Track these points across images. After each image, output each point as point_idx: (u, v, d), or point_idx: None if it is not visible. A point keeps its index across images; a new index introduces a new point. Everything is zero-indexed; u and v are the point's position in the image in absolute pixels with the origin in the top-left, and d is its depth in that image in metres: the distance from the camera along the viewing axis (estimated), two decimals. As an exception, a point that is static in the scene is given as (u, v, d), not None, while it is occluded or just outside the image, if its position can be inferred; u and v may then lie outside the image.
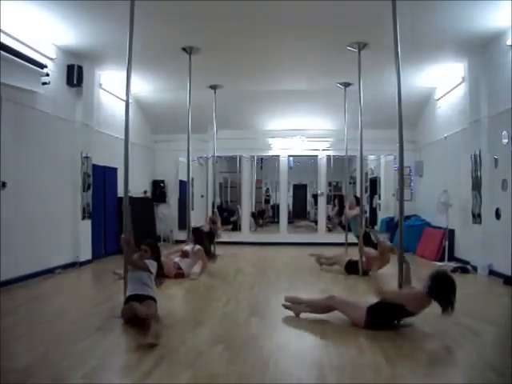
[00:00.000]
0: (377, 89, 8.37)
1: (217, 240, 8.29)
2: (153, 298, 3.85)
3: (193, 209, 9.78)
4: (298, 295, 4.23)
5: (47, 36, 6.07)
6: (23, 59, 5.48)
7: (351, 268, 6.36)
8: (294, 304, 4.06)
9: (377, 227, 10.84)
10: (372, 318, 3.62)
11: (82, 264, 6.92)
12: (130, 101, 4.31)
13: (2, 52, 5.05)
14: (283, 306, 4.08)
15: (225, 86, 8.50)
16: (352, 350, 3.15)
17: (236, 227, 11.00)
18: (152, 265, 3.97)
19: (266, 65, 7.44)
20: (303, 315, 3.99)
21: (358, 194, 7.41)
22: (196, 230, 6.81)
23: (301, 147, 10.55)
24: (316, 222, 10.99)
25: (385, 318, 3.66)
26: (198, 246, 6.33)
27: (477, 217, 6.58)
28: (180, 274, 5.94)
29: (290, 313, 4.15)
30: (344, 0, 4.98)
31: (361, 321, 3.65)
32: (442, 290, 3.43)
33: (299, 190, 12.38)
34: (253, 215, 11.07)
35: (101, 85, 7.89)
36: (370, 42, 6.18)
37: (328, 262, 6.83)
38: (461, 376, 2.78)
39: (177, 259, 6.17)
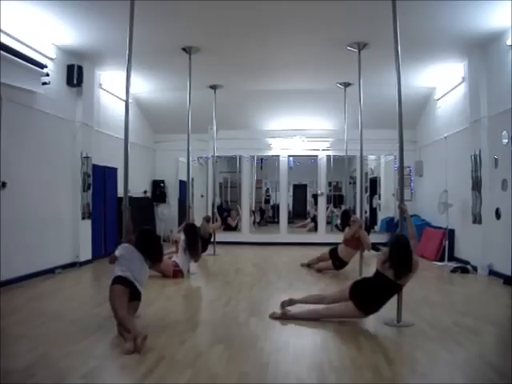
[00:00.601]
0: (377, 89, 8.37)
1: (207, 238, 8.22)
2: (117, 279, 3.64)
3: (193, 209, 9.79)
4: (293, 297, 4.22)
5: (47, 36, 6.07)
6: (23, 59, 5.48)
7: (338, 264, 6.45)
8: (283, 313, 3.98)
9: (377, 227, 10.86)
10: (356, 291, 3.73)
11: (81, 264, 6.92)
12: (130, 101, 4.31)
13: (2, 52, 5.05)
14: (270, 317, 3.95)
15: (225, 85, 8.51)
16: (352, 349, 3.15)
17: (232, 228, 10.98)
18: (120, 248, 3.78)
19: (266, 65, 7.44)
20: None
21: (358, 194, 7.39)
22: (188, 224, 6.47)
23: (301, 147, 10.54)
24: (314, 220, 10.98)
25: (369, 290, 3.72)
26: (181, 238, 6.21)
27: (477, 217, 6.58)
28: (178, 272, 5.95)
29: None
30: (344, 0, 4.98)
31: (352, 310, 3.71)
32: (398, 252, 3.62)
33: (299, 190, 12.38)
34: (253, 213, 11.08)
35: (101, 85, 7.89)
36: (370, 42, 6.18)
37: (316, 267, 6.73)
38: (461, 376, 2.77)
39: (174, 257, 6.18)
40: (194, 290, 5.63)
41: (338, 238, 9.03)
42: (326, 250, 6.83)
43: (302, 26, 5.76)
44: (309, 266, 6.94)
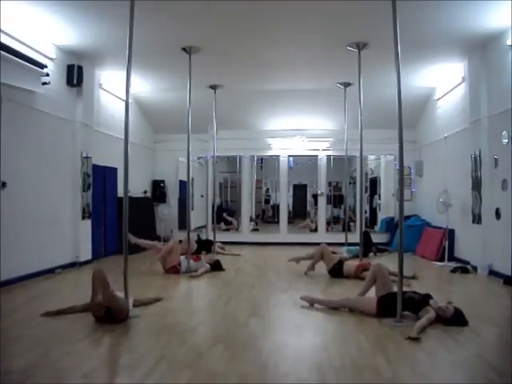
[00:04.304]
0: (377, 89, 8.37)
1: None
2: None
3: (193, 209, 9.79)
4: (313, 296, 4.52)
5: (47, 36, 6.07)
6: (23, 59, 5.47)
7: (336, 272, 6.10)
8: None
9: (377, 227, 10.86)
10: (383, 307, 3.90)
11: (81, 264, 6.91)
12: (130, 101, 4.31)
13: (2, 52, 5.04)
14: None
15: (225, 85, 8.50)
16: (352, 350, 3.15)
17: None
18: None
19: (266, 65, 7.43)
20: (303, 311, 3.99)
21: (358, 194, 7.35)
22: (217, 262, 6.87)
23: (301, 147, 10.55)
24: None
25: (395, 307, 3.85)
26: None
27: (477, 217, 6.57)
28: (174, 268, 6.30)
29: (290, 312, 4.19)
30: (344, 0, 4.98)
31: (372, 310, 3.94)
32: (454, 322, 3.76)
33: (299, 190, 12.37)
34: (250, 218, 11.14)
35: (101, 85, 7.88)
36: (370, 42, 6.18)
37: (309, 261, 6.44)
38: (461, 376, 2.77)
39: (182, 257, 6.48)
40: (194, 290, 5.63)
41: (337, 238, 9.13)
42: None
43: (302, 26, 5.76)
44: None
